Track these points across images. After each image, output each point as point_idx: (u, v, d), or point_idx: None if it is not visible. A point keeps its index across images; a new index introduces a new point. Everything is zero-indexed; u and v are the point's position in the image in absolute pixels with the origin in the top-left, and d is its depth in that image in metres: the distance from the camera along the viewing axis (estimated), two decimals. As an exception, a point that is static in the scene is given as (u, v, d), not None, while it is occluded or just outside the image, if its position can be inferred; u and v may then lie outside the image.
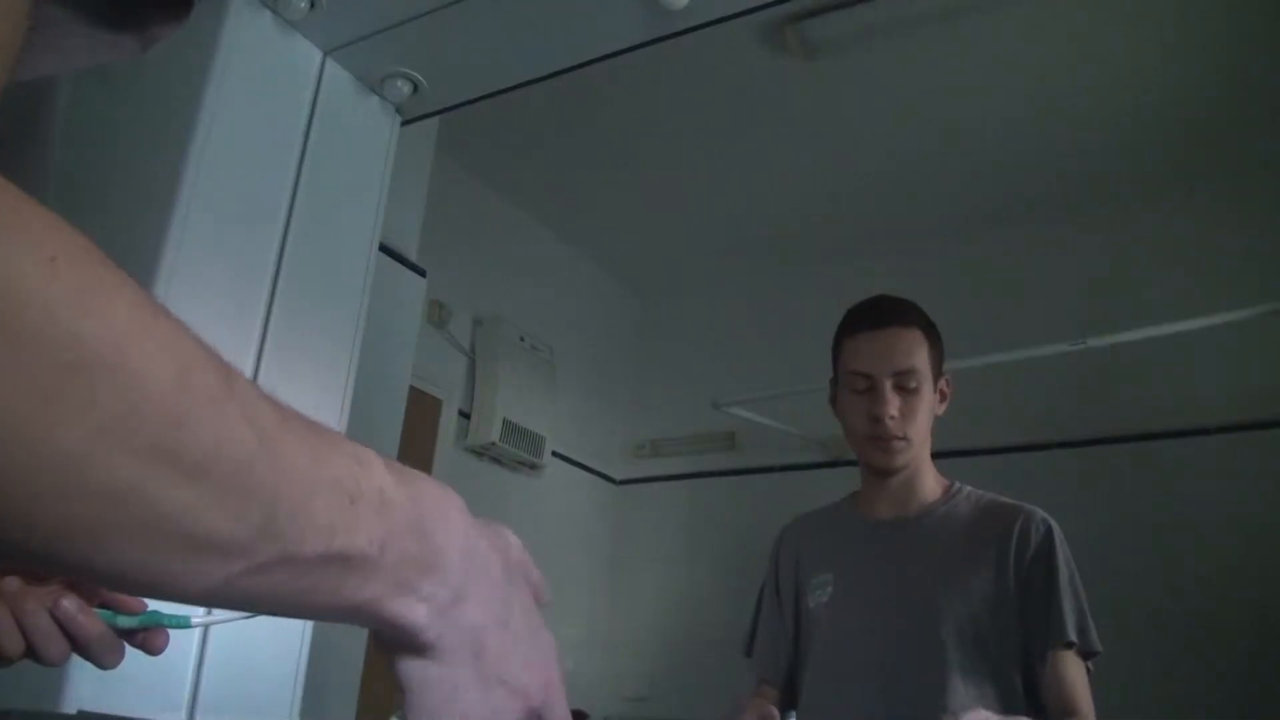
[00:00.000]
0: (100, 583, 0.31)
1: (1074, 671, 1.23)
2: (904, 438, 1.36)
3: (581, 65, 1.21)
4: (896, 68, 2.52)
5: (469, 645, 0.41)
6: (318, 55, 1.24)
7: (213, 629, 0.99)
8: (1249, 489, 2.48)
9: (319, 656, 1.12)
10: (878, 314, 1.41)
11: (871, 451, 1.39)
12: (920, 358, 1.37)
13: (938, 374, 1.41)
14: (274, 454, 0.32)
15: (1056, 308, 2.88)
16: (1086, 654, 1.25)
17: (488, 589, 0.43)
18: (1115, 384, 2.74)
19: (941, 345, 1.43)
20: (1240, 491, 2.49)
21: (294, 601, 0.35)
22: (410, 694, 0.41)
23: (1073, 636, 1.22)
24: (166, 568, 0.30)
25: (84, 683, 0.90)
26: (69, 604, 0.57)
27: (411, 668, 0.40)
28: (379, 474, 0.38)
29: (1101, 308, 2.78)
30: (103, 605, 0.60)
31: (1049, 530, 1.30)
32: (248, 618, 0.55)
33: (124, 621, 0.60)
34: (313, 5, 1.15)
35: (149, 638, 0.62)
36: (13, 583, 0.58)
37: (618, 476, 3.70)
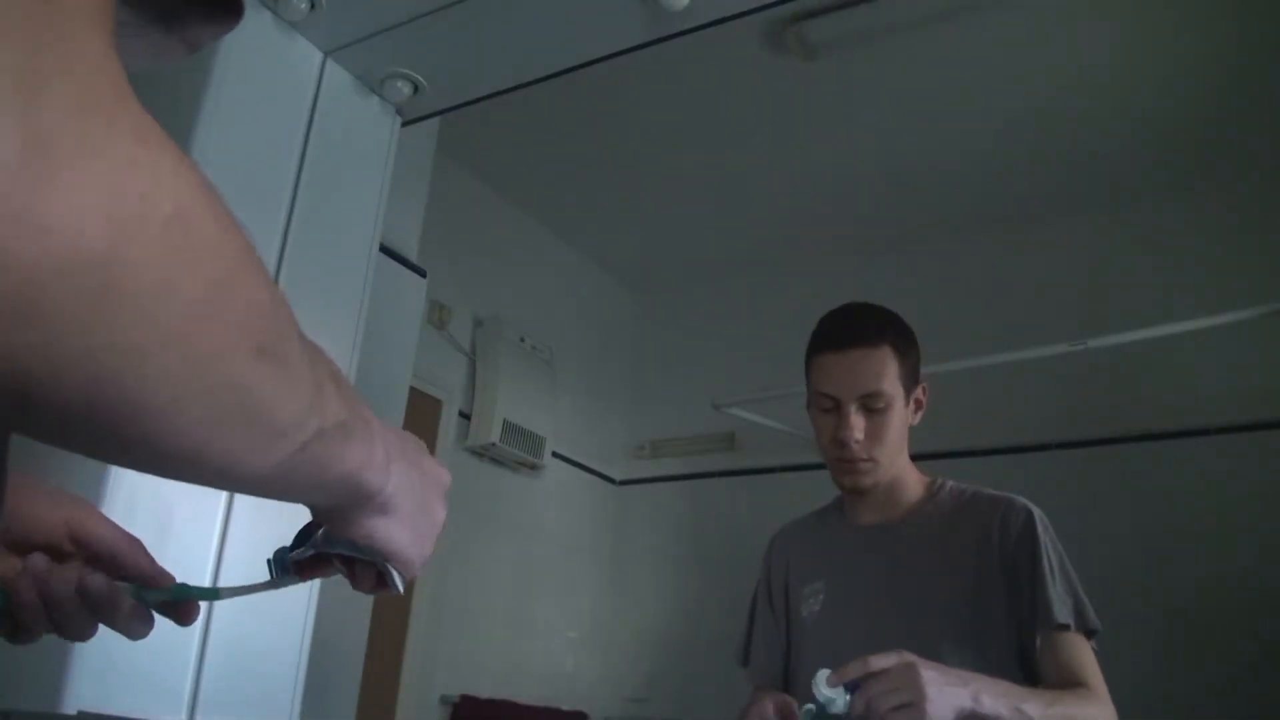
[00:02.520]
0: (177, 469, 0.35)
1: (1076, 650, 1.21)
2: (870, 459, 1.34)
3: (581, 65, 1.21)
4: (896, 68, 2.53)
5: (405, 494, 0.52)
6: (318, 56, 1.24)
7: (213, 628, 0.99)
8: (1249, 489, 2.48)
9: (319, 656, 1.12)
10: (843, 333, 1.37)
11: (839, 474, 1.37)
12: (889, 378, 1.33)
13: (911, 386, 1.38)
14: (305, 345, 0.40)
15: (1056, 308, 2.88)
16: (1087, 633, 1.24)
17: (403, 455, 0.53)
18: (1115, 384, 2.74)
19: (916, 355, 1.39)
20: (1240, 491, 2.49)
21: (316, 476, 0.43)
22: (374, 539, 0.52)
23: (1065, 619, 1.21)
24: (248, 448, 0.37)
25: (84, 683, 0.90)
26: (96, 580, 0.57)
27: (376, 523, 0.52)
28: (330, 362, 0.46)
29: (1101, 308, 2.78)
30: (124, 578, 0.60)
31: (1029, 517, 1.29)
32: (273, 588, 0.58)
33: (151, 596, 0.60)
34: (313, 6, 1.15)
35: (179, 611, 0.62)
36: (39, 559, 0.58)
37: (618, 476, 3.70)
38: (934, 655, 1.27)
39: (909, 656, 1.07)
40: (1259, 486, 2.47)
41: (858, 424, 1.33)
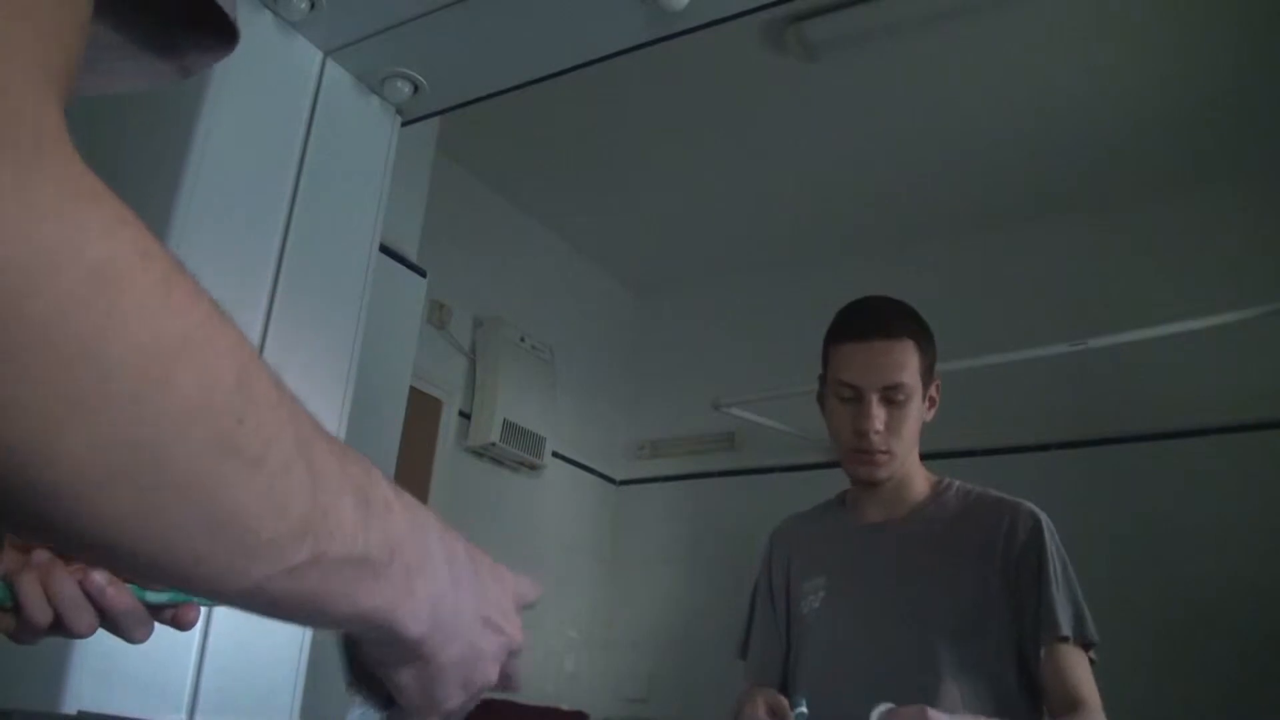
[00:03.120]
0: (140, 573, 0.33)
1: (1073, 663, 1.22)
2: (888, 451, 1.33)
3: (581, 65, 1.21)
4: (897, 68, 2.53)
5: (449, 643, 0.45)
6: (318, 56, 1.24)
7: (214, 629, 0.99)
8: (1249, 489, 2.48)
9: (319, 656, 1.12)
10: (868, 323, 1.36)
11: (854, 464, 1.36)
12: (910, 370, 1.33)
13: (928, 381, 1.37)
14: (309, 456, 0.34)
15: (1056, 308, 2.88)
16: (1085, 645, 1.24)
17: (470, 581, 0.47)
18: (1115, 384, 2.74)
19: (934, 350, 1.39)
20: (1240, 491, 2.49)
21: (314, 607, 0.37)
22: (403, 693, 0.45)
23: (1066, 630, 1.21)
24: (210, 563, 0.32)
25: (84, 683, 0.89)
26: (99, 576, 0.57)
27: (406, 675, 0.44)
28: (383, 484, 0.40)
29: (1102, 308, 2.78)
30: (131, 579, 0.60)
31: (1036, 524, 1.29)
32: None
33: (153, 597, 0.60)
34: (313, 5, 1.15)
35: (179, 614, 0.62)
36: (42, 554, 0.58)
37: (618, 476, 3.70)
38: (932, 656, 1.27)
39: (929, 713, 1.05)
40: (1259, 486, 2.47)
41: (879, 415, 1.32)
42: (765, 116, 2.76)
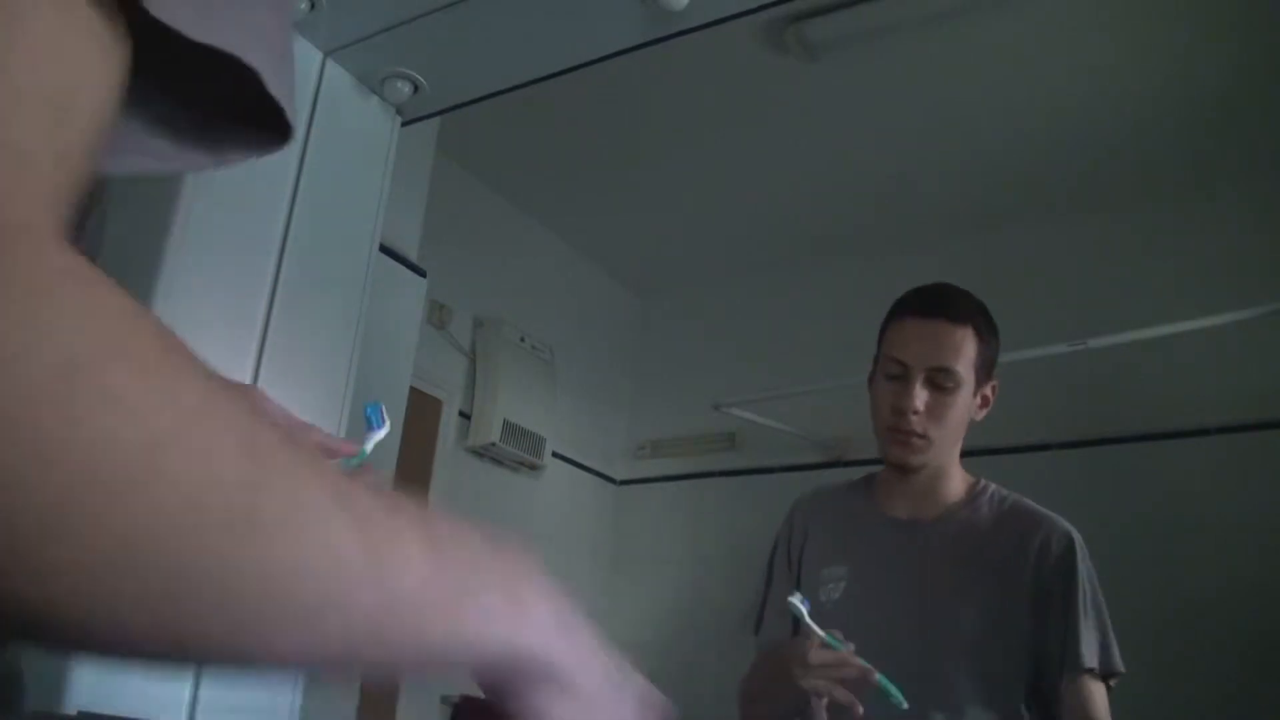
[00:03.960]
0: (154, 657, 0.30)
1: (1093, 695, 1.19)
2: (924, 436, 1.28)
3: (581, 65, 1.22)
4: (897, 68, 2.52)
5: (581, 649, 0.41)
6: (318, 56, 1.24)
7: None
8: (1249, 489, 2.48)
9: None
10: (930, 302, 1.33)
11: (889, 444, 1.31)
12: (964, 359, 1.28)
13: (983, 379, 1.33)
14: (348, 504, 0.32)
15: (1056, 308, 2.87)
16: (1107, 674, 1.21)
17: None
18: (1115, 384, 2.74)
19: (995, 349, 1.35)
20: (1240, 491, 2.49)
21: (419, 648, 0.35)
22: None
23: (1091, 663, 1.18)
24: (270, 637, 0.30)
25: (84, 683, 0.89)
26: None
27: (550, 704, 0.40)
28: (445, 520, 0.38)
29: (1102, 308, 2.78)
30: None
31: (1070, 545, 1.24)
32: None
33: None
34: (313, 5, 1.15)
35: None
36: None
37: (618, 476, 3.70)
38: (943, 667, 1.22)
39: None
40: (1259, 486, 2.46)
41: (921, 396, 1.27)
42: (765, 116, 2.76)
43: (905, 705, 1.07)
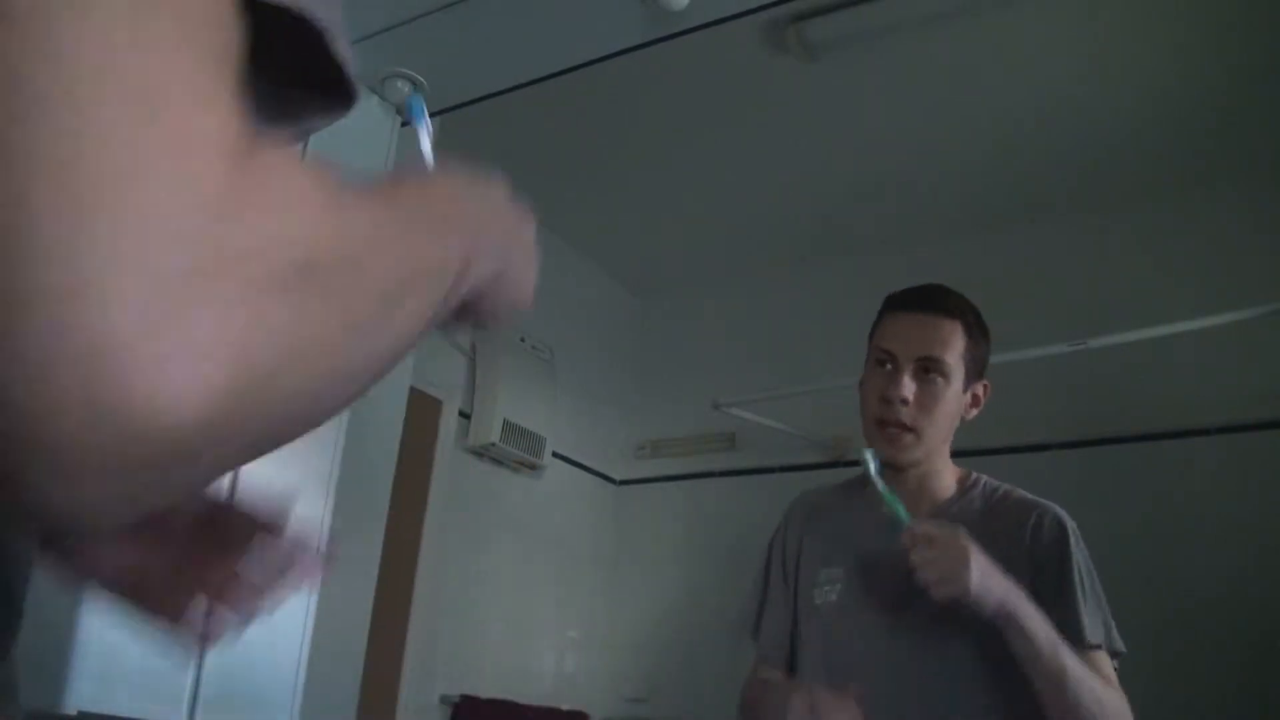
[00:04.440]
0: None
1: (1103, 668, 1.19)
2: (912, 429, 1.29)
3: (581, 65, 1.22)
4: (897, 68, 2.53)
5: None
6: (318, 55, 1.24)
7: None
8: (1249, 489, 2.48)
9: (319, 656, 1.12)
10: (920, 297, 1.35)
11: (876, 438, 1.33)
12: (952, 351, 1.31)
13: (973, 374, 1.35)
14: (407, 233, 0.42)
15: (1056, 308, 2.87)
16: (1111, 653, 1.22)
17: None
18: (1115, 384, 2.74)
19: (986, 346, 1.37)
20: (1240, 491, 2.49)
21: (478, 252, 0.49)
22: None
23: (1096, 640, 1.19)
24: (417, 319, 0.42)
25: (84, 683, 0.90)
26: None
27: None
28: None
29: (1102, 308, 2.78)
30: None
31: (1062, 529, 1.25)
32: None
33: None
34: (313, 6, 1.15)
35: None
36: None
37: (618, 476, 3.70)
38: (944, 659, 1.23)
39: (963, 538, 1.10)
40: (1259, 486, 2.46)
41: (909, 386, 1.29)
42: (765, 116, 2.76)
43: (907, 521, 1.20)
